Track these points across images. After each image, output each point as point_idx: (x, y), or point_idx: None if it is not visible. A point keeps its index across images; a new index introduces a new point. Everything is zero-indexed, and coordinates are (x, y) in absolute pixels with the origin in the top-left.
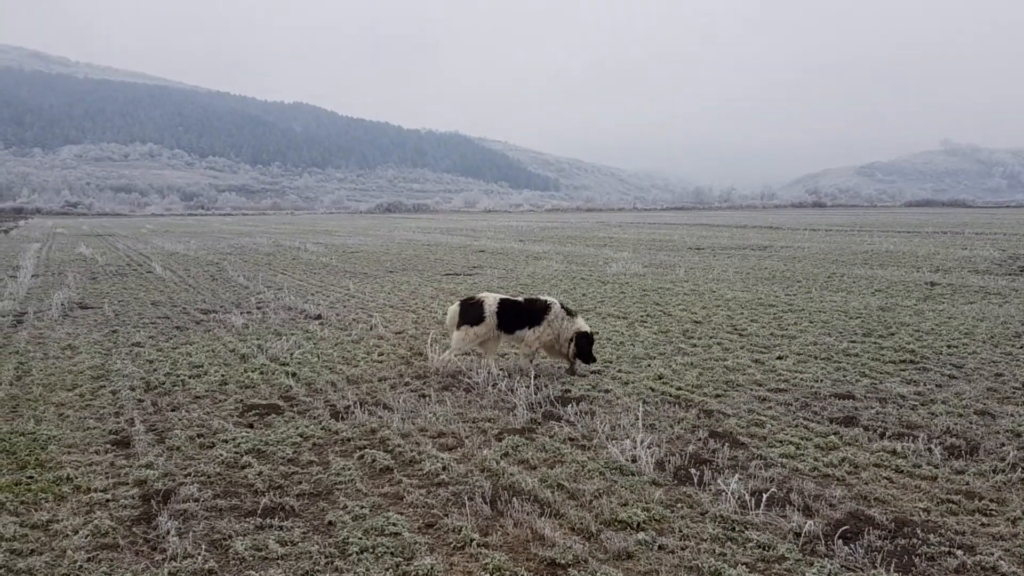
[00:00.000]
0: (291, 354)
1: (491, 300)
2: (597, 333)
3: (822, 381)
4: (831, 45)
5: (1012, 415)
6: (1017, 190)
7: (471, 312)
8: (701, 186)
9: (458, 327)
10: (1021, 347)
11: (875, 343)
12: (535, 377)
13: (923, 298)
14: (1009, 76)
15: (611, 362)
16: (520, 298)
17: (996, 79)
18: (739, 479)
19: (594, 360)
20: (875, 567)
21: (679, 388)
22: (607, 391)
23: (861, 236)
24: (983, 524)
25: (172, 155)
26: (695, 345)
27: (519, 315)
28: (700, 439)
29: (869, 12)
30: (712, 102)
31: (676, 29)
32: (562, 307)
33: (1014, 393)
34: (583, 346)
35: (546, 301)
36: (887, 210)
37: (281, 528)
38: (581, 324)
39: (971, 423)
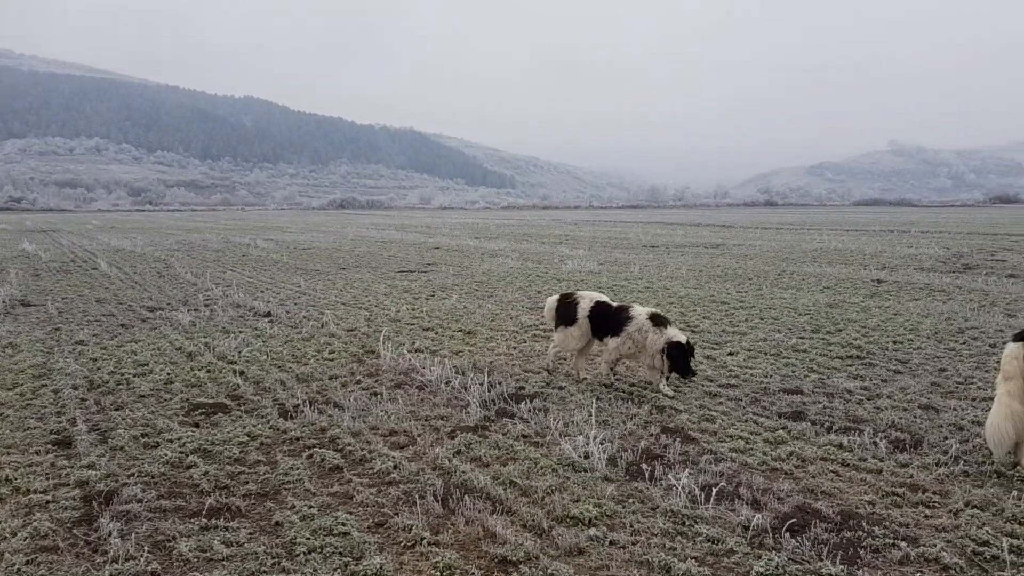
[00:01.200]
0: (239, 352)
1: (586, 302)
2: (694, 344)
3: (771, 377)
4: (784, 51)
5: (955, 409)
6: (961, 189)
7: (566, 312)
8: (656, 185)
9: (556, 327)
10: (964, 343)
11: (823, 339)
12: (489, 374)
13: (870, 295)
14: (954, 80)
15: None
16: (614, 304)
17: (942, 83)
18: (690, 474)
19: (692, 373)
20: (821, 559)
21: (632, 384)
22: (561, 388)
23: (811, 234)
24: (926, 516)
25: (119, 150)
26: None
27: (607, 320)
28: (652, 435)
29: (818, 21)
30: (669, 104)
31: (635, 33)
32: (650, 317)
33: (957, 388)
34: (675, 357)
35: (630, 310)
36: (836, 209)
37: (227, 529)
38: (674, 334)
39: (915, 417)
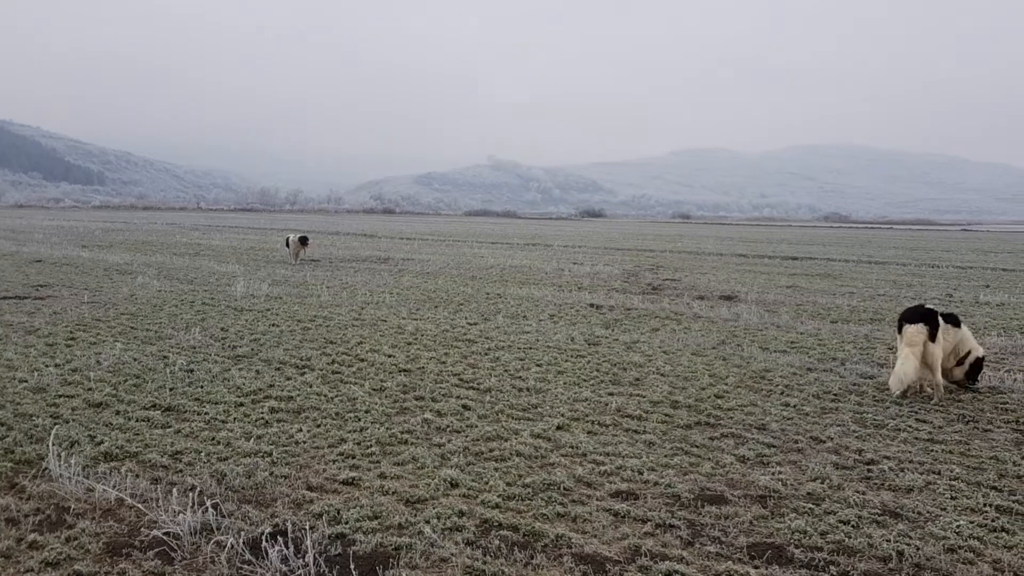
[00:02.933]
0: None
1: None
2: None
3: (661, 471)
4: (384, 64)
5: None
6: (549, 203)
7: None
8: (267, 187)
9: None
10: (779, 389)
11: (639, 396)
12: (285, 508)
13: (606, 325)
14: (540, 105)
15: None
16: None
17: (538, 108)
18: None
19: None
20: None
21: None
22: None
23: (471, 247)
24: None
25: None
26: (441, 413)
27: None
28: None
29: (420, 43)
30: (272, 105)
31: (219, 28)
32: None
33: (870, 471)
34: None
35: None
36: (457, 219)
37: None
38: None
39: (938, 551)
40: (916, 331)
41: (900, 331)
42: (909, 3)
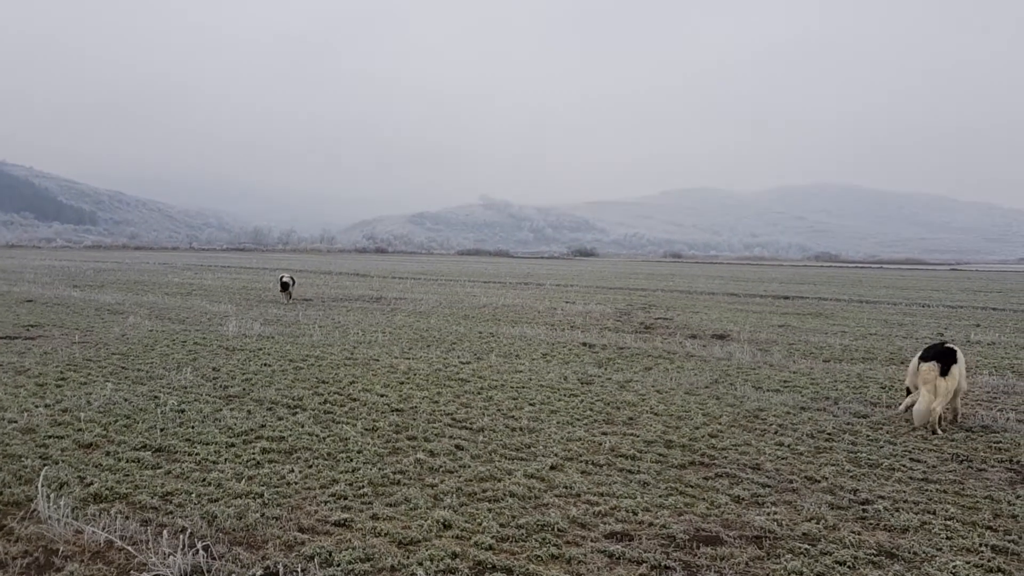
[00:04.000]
0: None
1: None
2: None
3: (655, 511)
4: (391, 109)
5: None
6: (542, 242)
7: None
8: (260, 227)
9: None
10: (774, 429)
11: (633, 435)
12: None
13: (599, 364)
14: (533, 143)
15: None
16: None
17: (524, 145)
18: None
19: None
20: None
21: None
22: None
23: (463, 286)
24: None
25: None
26: (435, 452)
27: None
28: None
29: (410, 83)
30: (269, 144)
31: (212, 68)
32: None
33: (868, 513)
34: None
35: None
36: (450, 258)
37: None
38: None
39: None
40: (928, 368)
41: (918, 368)
42: (893, 48)
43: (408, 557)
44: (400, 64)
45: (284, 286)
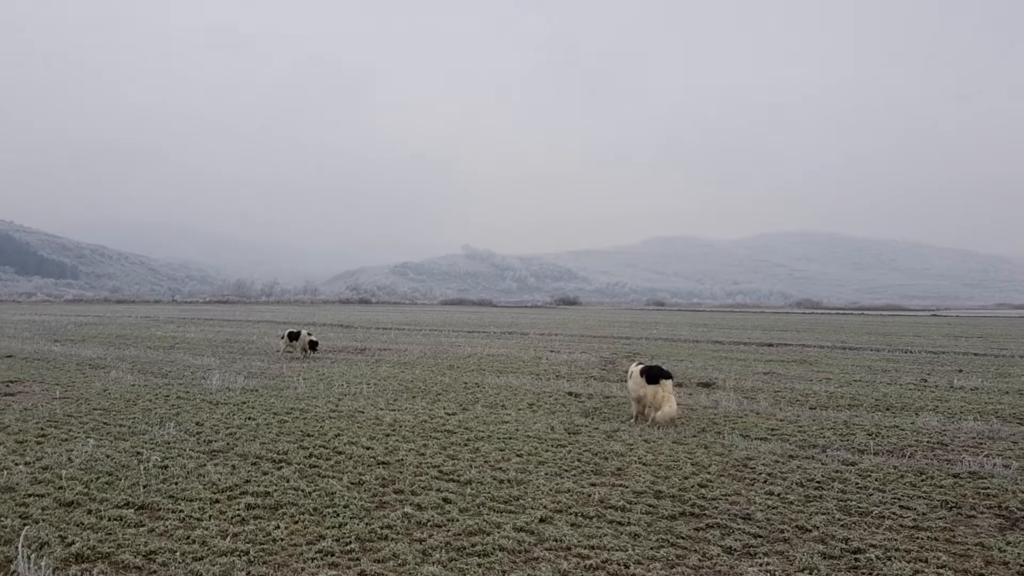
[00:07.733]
0: None
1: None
2: None
3: (667, 570)
4: (356, 152)
5: None
6: (524, 292)
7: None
8: (243, 279)
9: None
10: (763, 478)
11: (622, 486)
12: None
13: (584, 414)
14: (519, 195)
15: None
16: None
17: (511, 197)
18: None
19: None
20: None
21: None
22: None
23: (447, 336)
24: None
25: None
26: (421, 507)
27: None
28: None
29: (383, 133)
30: (247, 194)
31: (187, 113)
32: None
33: (859, 560)
34: None
35: None
36: (434, 308)
37: None
38: None
39: None
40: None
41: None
42: (869, 98)
43: None
44: (377, 116)
45: (313, 345)
